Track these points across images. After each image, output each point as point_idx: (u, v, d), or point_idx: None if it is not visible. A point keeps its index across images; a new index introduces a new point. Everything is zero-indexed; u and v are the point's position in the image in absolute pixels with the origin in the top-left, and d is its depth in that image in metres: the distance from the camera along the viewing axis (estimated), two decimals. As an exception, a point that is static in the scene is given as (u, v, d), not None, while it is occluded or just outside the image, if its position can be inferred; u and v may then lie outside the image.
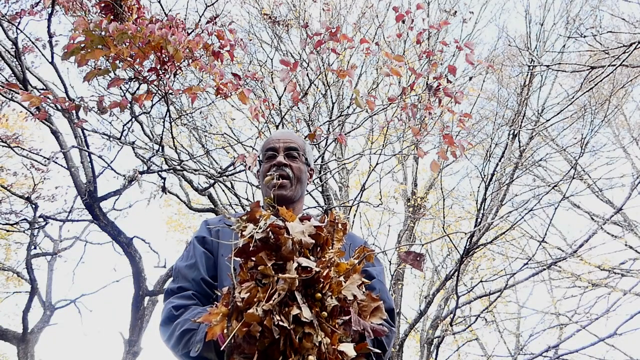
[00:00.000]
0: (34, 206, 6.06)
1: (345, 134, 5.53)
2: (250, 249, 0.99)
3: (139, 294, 5.45)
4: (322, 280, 0.96)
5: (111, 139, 4.54)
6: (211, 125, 7.73)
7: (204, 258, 1.43)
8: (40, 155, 6.65)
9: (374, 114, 4.99)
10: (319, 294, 0.95)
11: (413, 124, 4.38)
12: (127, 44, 3.22)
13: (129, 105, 4.08)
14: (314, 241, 1.02)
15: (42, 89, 5.06)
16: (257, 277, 0.97)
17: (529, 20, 8.04)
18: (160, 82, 3.53)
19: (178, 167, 4.96)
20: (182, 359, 1.25)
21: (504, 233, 6.60)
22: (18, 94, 4.57)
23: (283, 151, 1.58)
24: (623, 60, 4.12)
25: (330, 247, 1.05)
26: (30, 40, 4.75)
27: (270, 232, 1.00)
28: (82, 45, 3.13)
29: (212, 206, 6.02)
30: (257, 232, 1.00)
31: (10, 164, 8.52)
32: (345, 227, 1.10)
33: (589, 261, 7.88)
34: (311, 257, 1.00)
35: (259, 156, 1.67)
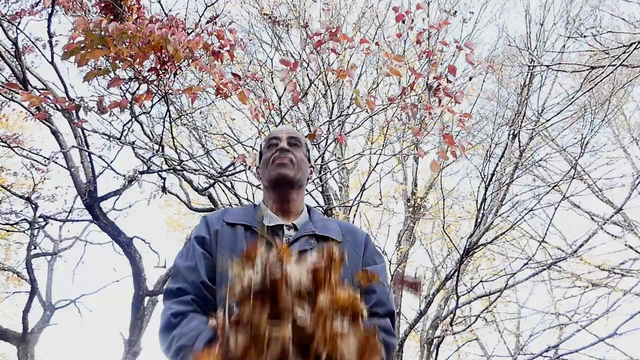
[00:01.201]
0: (34, 206, 6.05)
1: (345, 134, 5.53)
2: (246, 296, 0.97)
3: (139, 294, 5.44)
4: (317, 330, 0.95)
5: (111, 139, 4.54)
6: (211, 125, 7.73)
7: (204, 260, 1.43)
8: (40, 155, 6.64)
9: (374, 114, 4.99)
10: (314, 346, 0.94)
11: (413, 124, 4.38)
12: (127, 44, 3.23)
13: (129, 105, 4.08)
14: (311, 284, 1.00)
15: (42, 89, 5.06)
16: (250, 328, 0.95)
17: (529, 20, 8.05)
18: (160, 82, 3.53)
19: (178, 167, 4.96)
20: None
21: (504, 233, 6.60)
22: (18, 94, 4.57)
23: (286, 140, 1.61)
24: (623, 60, 4.13)
25: (327, 286, 1.01)
26: (30, 40, 4.74)
27: (268, 278, 0.98)
28: (82, 45, 3.13)
29: (212, 206, 6.02)
30: (254, 278, 0.98)
31: (10, 164, 8.53)
32: (343, 257, 1.07)
33: (589, 261, 7.87)
34: (307, 302, 0.98)
35: (260, 147, 1.68)
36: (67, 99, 3.85)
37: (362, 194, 5.48)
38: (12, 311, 10.17)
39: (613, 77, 7.60)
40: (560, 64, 5.97)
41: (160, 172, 4.78)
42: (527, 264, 6.27)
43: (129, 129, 4.60)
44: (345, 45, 4.74)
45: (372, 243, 1.59)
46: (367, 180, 5.40)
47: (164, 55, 3.36)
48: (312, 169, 1.68)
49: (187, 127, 6.93)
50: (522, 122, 7.20)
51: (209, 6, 4.62)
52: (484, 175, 5.59)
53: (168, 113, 4.20)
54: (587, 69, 4.69)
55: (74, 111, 4.08)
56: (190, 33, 3.70)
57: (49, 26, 3.91)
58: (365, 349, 1.00)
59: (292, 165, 1.56)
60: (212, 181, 5.28)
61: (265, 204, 1.58)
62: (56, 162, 5.19)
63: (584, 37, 5.56)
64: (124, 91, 4.80)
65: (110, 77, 3.71)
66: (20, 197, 6.59)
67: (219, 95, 3.85)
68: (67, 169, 5.19)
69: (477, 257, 8.44)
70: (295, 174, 1.56)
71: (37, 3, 4.79)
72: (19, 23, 4.61)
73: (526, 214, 6.40)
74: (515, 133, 7.07)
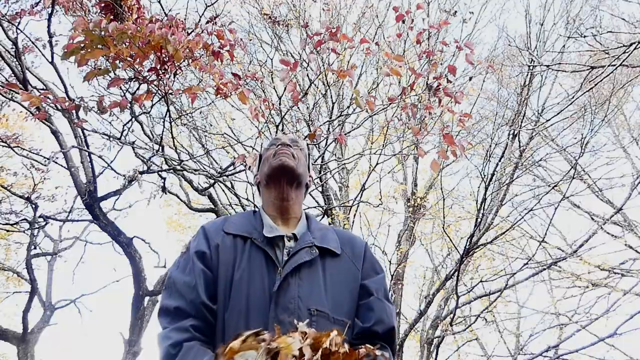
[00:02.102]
0: (34, 206, 6.05)
1: (345, 134, 5.53)
2: None
3: (139, 294, 5.45)
4: None
5: (111, 139, 4.54)
6: (211, 125, 7.73)
7: (203, 277, 1.36)
8: (40, 155, 6.63)
9: (374, 114, 4.99)
10: None
11: (413, 124, 4.38)
12: (127, 44, 3.22)
13: (129, 105, 4.08)
14: None
15: (42, 89, 5.06)
16: None
17: (529, 20, 8.04)
18: (160, 82, 3.53)
19: (178, 167, 4.96)
20: None
21: (504, 233, 6.60)
22: (18, 94, 4.57)
23: (288, 141, 1.61)
24: (623, 60, 4.12)
25: None
26: (30, 40, 4.75)
27: None
28: (82, 45, 3.13)
29: (212, 206, 6.02)
30: None
31: (10, 164, 8.52)
32: (341, 343, 1.03)
33: (589, 261, 7.87)
34: None
35: (261, 149, 1.68)
36: (67, 99, 3.85)
37: (362, 194, 5.48)
38: (12, 311, 10.18)
39: (613, 77, 7.60)
40: (560, 64, 5.97)
41: (160, 172, 4.78)
42: (527, 264, 6.27)
43: (129, 129, 4.61)
44: (345, 45, 4.74)
45: (371, 252, 1.55)
46: (367, 180, 5.40)
47: (164, 55, 3.35)
48: (310, 178, 1.66)
49: (187, 127, 6.93)
50: (522, 122, 7.20)
51: (209, 6, 4.62)
52: (484, 175, 5.58)
53: (168, 113, 4.20)
54: (587, 69, 4.69)
55: (74, 111, 4.08)
56: (190, 33, 3.69)
57: (49, 26, 3.91)
58: None
59: (294, 158, 1.54)
60: (212, 181, 5.27)
61: (265, 210, 1.54)
62: (56, 162, 5.19)
63: (584, 37, 5.56)
64: (124, 91, 4.80)
65: (110, 77, 3.71)
66: (20, 197, 6.59)
67: (219, 95, 3.86)
68: (67, 169, 5.19)
69: (477, 257, 8.44)
70: (296, 166, 1.53)
71: (37, 3, 4.79)
72: (19, 23, 4.60)
73: (526, 214, 6.40)
74: (515, 133, 7.07)
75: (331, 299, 1.36)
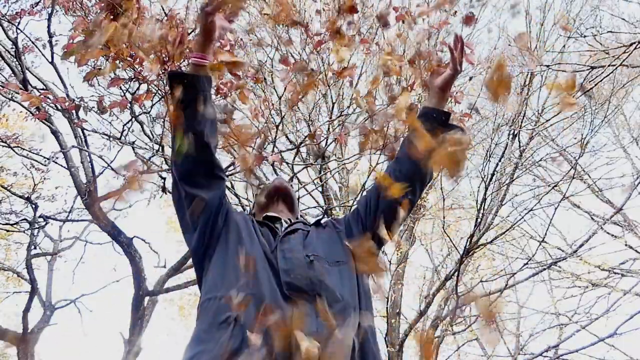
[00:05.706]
0: (34, 206, 6.05)
1: (345, 134, 5.53)
2: None
3: (139, 294, 5.45)
4: None
5: (111, 139, 4.54)
6: (211, 125, 7.69)
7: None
8: (40, 155, 6.62)
9: (374, 114, 4.98)
10: None
11: (413, 124, 4.37)
12: (127, 44, 3.22)
13: (129, 105, 4.08)
14: None
15: (42, 89, 5.05)
16: None
17: (529, 20, 8.04)
18: (160, 82, 3.53)
19: (178, 167, 4.94)
20: None
21: (504, 233, 6.60)
22: (18, 94, 4.57)
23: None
24: (623, 60, 4.12)
25: None
26: (30, 40, 4.74)
27: None
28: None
29: (212, 206, 6.00)
30: None
31: (10, 164, 8.52)
32: None
33: (589, 261, 7.87)
34: None
35: (255, 200, 1.95)
36: (67, 99, 3.85)
37: (362, 194, 5.47)
38: (12, 311, 10.16)
39: (613, 77, 7.60)
40: (560, 63, 5.96)
41: (160, 172, 4.78)
42: (527, 264, 6.28)
43: (129, 129, 4.61)
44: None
45: None
46: (367, 180, 5.40)
47: (164, 55, 3.35)
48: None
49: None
50: (522, 122, 7.19)
51: (209, 6, 4.60)
52: (484, 175, 5.58)
53: (168, 113, 4.20)
54: (587, 69, 4.69)
55: (74, 111, 4.08)
56: (191, 33, 3.69)
57: (49, 26, 3.91)
58: None
59: (289, 186, 1.80)
60: (212, 181, 5.25)
61: None
62: (56, 162, 5.19)
63: (584, 37, 5.56)
64: (124, 91, 4.80)
65: (110, 77, 3.71)
66: (20, 197, 6.58)
67: (218, 95, 3.86)
68: (67, 169, 5.19)
69: (477, 257, 8.43)
70: (291, 189, 1.78)
71: (37, 3, 4.79)
72: (19, 23, 4.60)
73: (526, 214, 6.41)
74: (515, 133, 7.07)
75: (324, 248, 1.54)
